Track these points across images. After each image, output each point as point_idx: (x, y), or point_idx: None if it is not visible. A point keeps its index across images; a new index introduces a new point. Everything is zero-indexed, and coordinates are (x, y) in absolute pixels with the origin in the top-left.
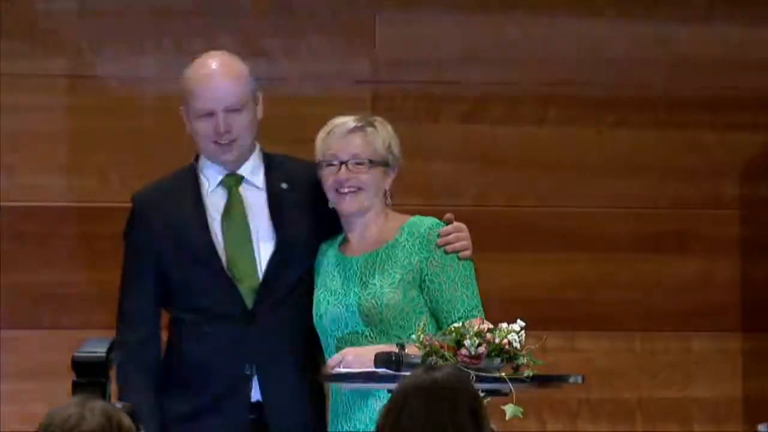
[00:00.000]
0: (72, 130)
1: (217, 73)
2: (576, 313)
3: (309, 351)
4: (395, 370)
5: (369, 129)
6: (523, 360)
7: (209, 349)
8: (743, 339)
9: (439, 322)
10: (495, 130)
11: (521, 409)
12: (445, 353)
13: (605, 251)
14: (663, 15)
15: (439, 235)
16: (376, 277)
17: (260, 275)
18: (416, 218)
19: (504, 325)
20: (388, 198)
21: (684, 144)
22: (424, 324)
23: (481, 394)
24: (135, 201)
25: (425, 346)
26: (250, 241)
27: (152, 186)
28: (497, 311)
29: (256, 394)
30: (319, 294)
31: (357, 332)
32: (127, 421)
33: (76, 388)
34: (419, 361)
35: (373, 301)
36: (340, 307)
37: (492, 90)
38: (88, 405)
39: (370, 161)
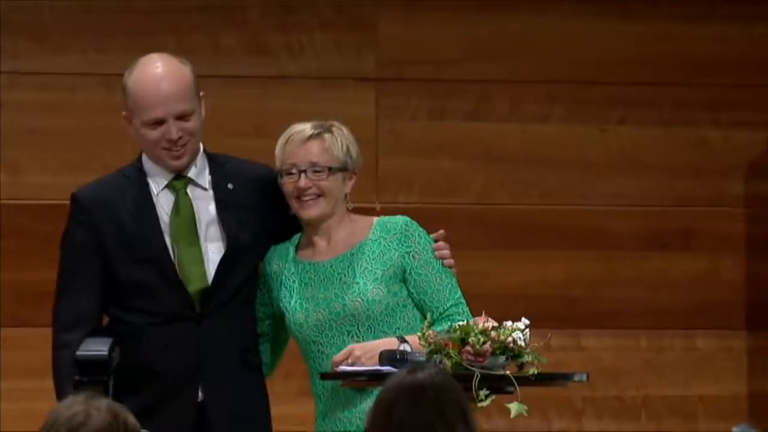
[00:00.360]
0: (77, 128)
1: (165, 80)
2: (581, 311)
3: (254, 351)
4: (400, 368)
5: (327, 135)
6: (527, 358)
7: (154, 350)
8: (748, 337)
9: (428, 313)
10: (499, 128)
11: (526, 407)
12: (450, 351)
13: (610, 249)
14: (666, 13)
15: (414, 234)
16: (357, 275)
17: (209, 278)
18: (385, 217)
19: (508, 323)
20: (348, 201)
21: (688, 142)
22: (429, 323)
23: (487, 392)
24: (78, 199)
25: (430, 344)
26: (199, 243)
27: (96, 184)
28: (501, 309)
29: (201, 395)
30: (293, 303)
31: (343, 333)
32: (132, 419)
33: (79, 386)
34: (424, 358)
35: (359, 300)
36: (322, 311)
37: (496, 88)
38: (94, 403)
39: (329, 168)
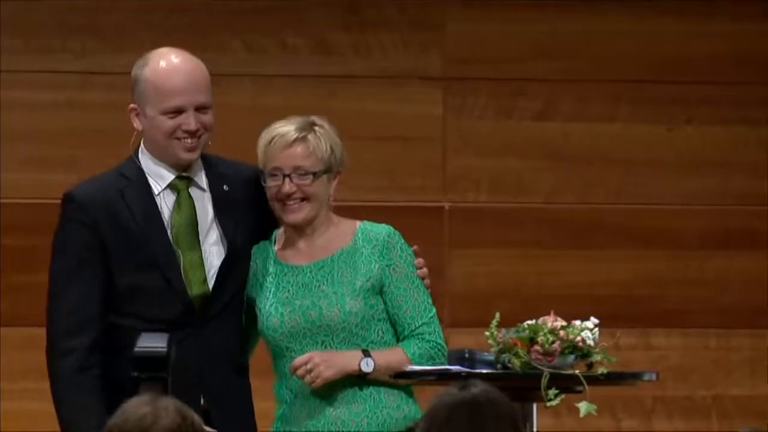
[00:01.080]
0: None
1: (188, 70)
2: (649, 310)
3: (244, 353)
4: (468, 367)
5: (310, 137)
6: (596, 357)
7: None
8: None
9: (399, 328)
10: (566, 127)
11: (595, 407)
12: (519, 350)
13: (676, 248)
14: (728, 12)
15: (396, 246)
16: (336, 284)
17: (209, 283)
18: (369, 224)
19: (577, 322)
20: (331, 200)
21: (753, 141)
22: (497, 321)
23: (556, 391)
24: (75, 197)
25: (498, 343)
26: (200, 247)
27: (92, 183)
28: (569, 308)
29: (203, 401)
30: (269, 306)
31: (317, 342)
32: (197, 419)
33: (138, 383)
34: (493, 358)
35: (336, 309)
36: (298, 318)
37: (563, 87)
38: (160, 403)
39: (314, 173)
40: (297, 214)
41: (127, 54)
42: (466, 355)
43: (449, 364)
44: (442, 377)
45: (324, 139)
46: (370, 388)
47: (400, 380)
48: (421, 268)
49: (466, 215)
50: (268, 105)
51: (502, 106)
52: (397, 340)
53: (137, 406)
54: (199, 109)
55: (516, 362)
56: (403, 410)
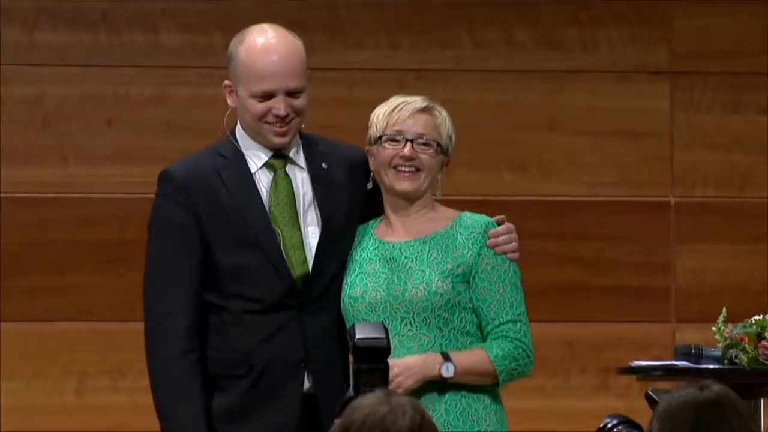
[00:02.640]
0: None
1: (280, 53)
2: None
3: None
4: (695, 363)
5: (436, 112)
6: None
7: (257, 339)
8: None
9: (483, 322)
10: None
11: None
12: (746, 346)
13: None
14: None
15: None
16: (425, 263)
17: (309, 263)
18: (469, 213)
19: None
20: (439, 189)
21: None
22: (724, 316)
23: None
24: (171, 176)
25: (725, 339)
26: (300, 226)
27: (188, 161)
28: None
29: (307, 386)
30: (354, 277)
31: (396, 319)
32: (430, 414)
33: (359, 374)
34: (719, 353)
35: (421, 287)
36: (381, 291)
37: None
38: (393, 401)
39: (438, 144)
40: (408, 182)
41: (353, 50)
42: (693, 351)
43: (676, 359)
44: (669, 372)
45: (448, 121)
46: (452, 391)
47: (624, 374)
48: (496, 236)
49: (693, 210)
50: (495, 100)
51: (730, 101)
52: (481, 332)
53: (375, 404)
54: (291, 93)
55: (743, 358)
56: (488, 410)
